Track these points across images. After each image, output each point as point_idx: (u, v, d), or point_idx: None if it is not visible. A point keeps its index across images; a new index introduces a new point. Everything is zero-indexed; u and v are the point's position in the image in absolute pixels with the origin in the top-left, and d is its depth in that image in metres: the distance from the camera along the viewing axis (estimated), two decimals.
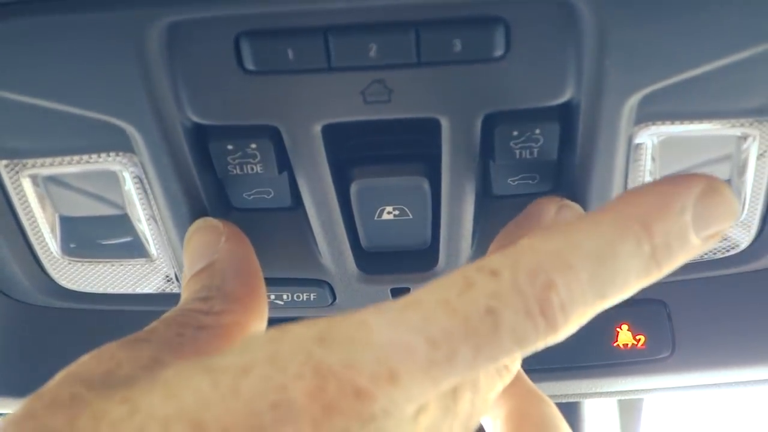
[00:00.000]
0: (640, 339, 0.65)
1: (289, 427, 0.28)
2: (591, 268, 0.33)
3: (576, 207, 0.47)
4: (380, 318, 0.31)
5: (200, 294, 0.43)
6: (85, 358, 0.36)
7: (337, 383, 0.29)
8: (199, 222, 0.50)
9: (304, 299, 0.61)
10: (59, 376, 0.35)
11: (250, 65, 0.46)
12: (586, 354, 0.66)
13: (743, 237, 0.60)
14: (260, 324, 0.44)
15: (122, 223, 0.57)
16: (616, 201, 0.36)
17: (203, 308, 0.42)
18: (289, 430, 0.28)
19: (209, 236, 0.47)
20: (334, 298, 0.61)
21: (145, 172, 0.52)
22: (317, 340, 0.30)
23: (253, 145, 0.51)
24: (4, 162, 0.53)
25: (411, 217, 0.55)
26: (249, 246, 0.46)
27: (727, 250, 0.61)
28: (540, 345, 0.32)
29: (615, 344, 0.66)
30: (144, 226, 0.57)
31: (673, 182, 0.36)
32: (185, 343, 0.39)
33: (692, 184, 0.36)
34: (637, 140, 0.52)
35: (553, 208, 0.45)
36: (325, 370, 0.29)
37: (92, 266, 0.61)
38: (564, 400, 0.72)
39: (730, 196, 0.37)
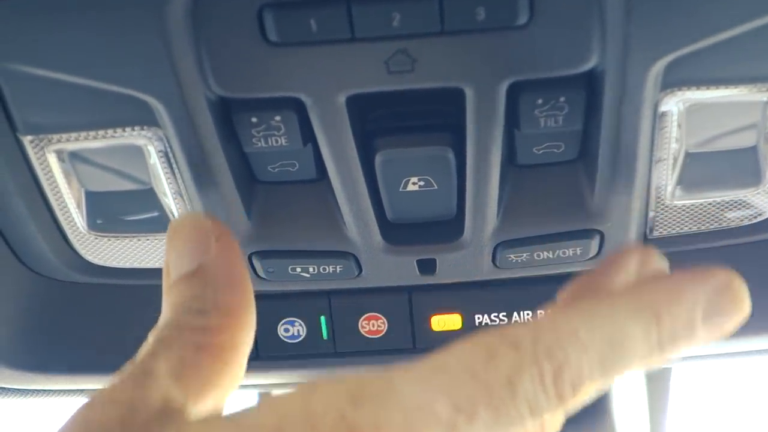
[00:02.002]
0: None
1: None
2: (602, 351, 0.35)
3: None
4: (409, 381, 0.32)
5: (194, 305, 0.42)
6: (95, 401, 0.35)
7: None
8: (187, 217, 0.48)
9: (330, 271, 0.61)
10: (72, 425, 0.35)
11: (273, 36, 0.46)
12: None
13: (766, 206, 0.60)
14: (248, 343, 0.43)
15: (148, 197, 0.57)
16: (634, 287, 0.39)
17: (199, 324, 0.41)
18: None
19: (198, 235, 0.45)
20: (360, 270, 0.62)
21: (170, 146, 0.53)
22: (349, 400, 0.31)
23: (278, 118, 0.51)
24: (30, 137, 0.54)
25: (436, 187, 0.55)
26: (238, 250, 0.45)
27: (754, 218, 0.61)
28: (548, 413, 0.34)
29: None
30: (170, 200, 0.57)
31: (690, 275, 0.39)
32: (188, 371, 0.38)
33: (707, 279, 0.39)
34: (663, 108, 0.52)
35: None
36: (357, 430, 0.30)
37: (118, 241, 0.62)
38: None
39: (742, 294, 0.40)
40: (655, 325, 0.36)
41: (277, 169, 0.56)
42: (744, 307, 0.40)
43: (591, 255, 0.60)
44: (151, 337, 0.40)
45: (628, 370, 0.36)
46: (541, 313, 0.37)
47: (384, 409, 0.31)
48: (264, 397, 0.32)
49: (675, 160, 0.55)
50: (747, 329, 0.65)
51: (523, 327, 0.35)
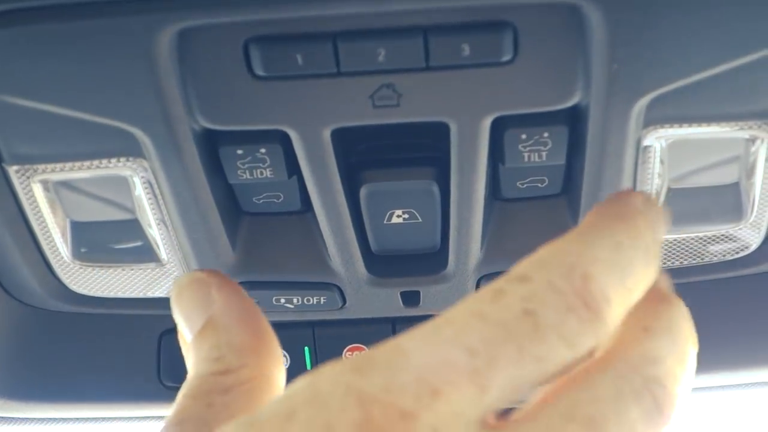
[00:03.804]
0: None
1: None
2: (613, 257, 0.33)
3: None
4: (414, 339, 0.30)
5: (212, 354, 0.42)
6: None
7: (382, 409, 0.28)
8: (184, 278, 0.48)
9: (314, 302, 0.61)
10: None
11: (259, 70, 0.46)
12: None
13: (752, 239, 0.60)
14: (279, 369, 0.43)
15: (133, 227, 0.57)
16: (606, 205, 0.38)
17: (220, 369, 0.41)
18: None
19: (199, 290, 0.45)
20: (344, 302, 0.62)
21: (156, 177, 0.53)
22: (354, 371, 0.29)
23: (263, 150, 0.51)
24: (15, 167, 0.54)
25: (420, 220, 0.55)
26: (240, 290, 0.45)
27: (736, 253, 0.61)
28: (590, 340, 0.32)
29: None
30: (154, 231, 0.57)
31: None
32: (218, 413, 0.38)
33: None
34: (646, 143, 0.52)
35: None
36: (367, 398, 0.28)
37: (103, 271, 0.62)
38: None
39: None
40: (638, 229, 0.36)
41: (262, 201, 0.56)
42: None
43: None
44: (179, 395, 0.40)
45: (642, 278, 0.35)
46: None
47: (392, 371, 0.29)
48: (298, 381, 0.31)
49: (657, 194, 0.55)
50: (733, 364, 0.66)
51: (525, 262, 0.33)
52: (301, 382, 0.30)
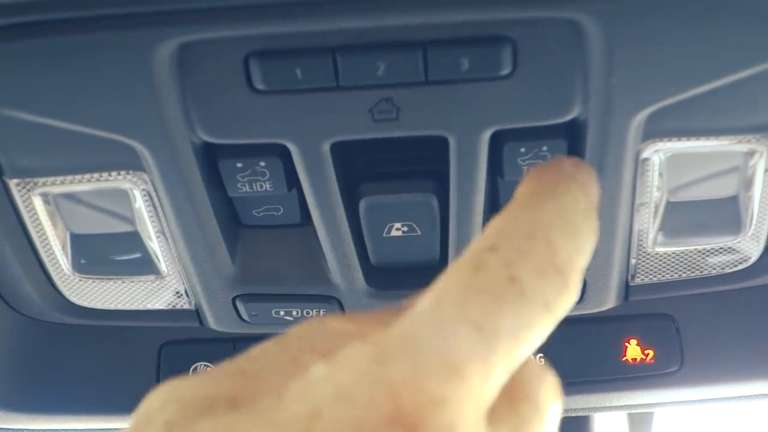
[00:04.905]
0: (648, 353, 0.65)
1: None
2: (563, 223, 0.35)
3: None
4: (417, 323, 0.30)
5: None
6: None
7: (411, 396, 0.28)
8: None
9: (314, 315, 0.61)
10: None
11: (259, 84, 0.46)
12: (596, 368, 0.66)
13: (752, 251, 0.60)
14: None
15: (132, 240, 0.57)
16: (541, 171, 0.40)
17: None
18: None
19: None
20: (344, 314, 0.62)
21: (156, 190, 0.53)
22: (376, 361, 0.29)
23: (262, 163, 0.51)
24: (16, 180, 0.54)
25: (419, 233, 0.55)
26: None
27: (736, 265, 0.61)
28: (565, 306, 0.33)
29: (624, 359, 0.66)
30: (154, 243, 0.57)
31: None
32: None
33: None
34: (644, 156, 0.52)
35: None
36: (396, 387, 0.28)
37: (103, 283, 0.62)
38: (574, 414, 0.72)
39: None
40: (579, 191, 0.38)
41: (261, 214, 0.56)
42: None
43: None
44: None
45: (587, 233, 0.37)
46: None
47: (412, 357, 0.29)
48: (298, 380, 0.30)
49: (656, 207, 0.56)
50: (732, 376, 0.66)
51: (488, 231, 0.35)
52: (319, 374, 0.30)
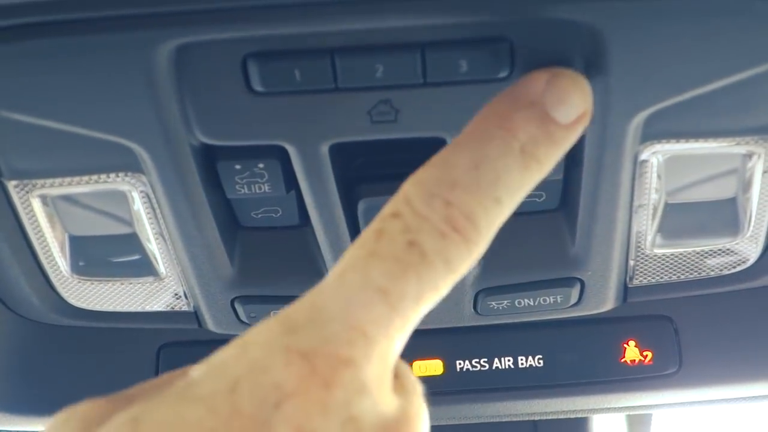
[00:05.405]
0: (647, 355, 0.65)
1: (300, 417, 0.29)
2: (472, 177, 0.35)
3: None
4: (325, 293, 0.33)
5: None
6: None
7: (324, 360, 0.30)
8: None
9: None
10: None
11: (257, 86, 0.46)
12: (594, 370, 0.66)
13: (750, 253, 0.60)
14: None
15: (131, 242, 0.57)
16: (475, 118, 0.39)
17: None
18: (301, 421, 0.29)
19: None
20: None
21: (154, 192, 0.53)
22: (285, 333, 0.31)
23: (261, 165, 0.51)
24: (14, 182, 0.54)
25: None
26: None
27: (734, 266, 0.61)
28: (467, 263, 0.35)
29: (622, 360, 0.66)
30: (153, 245, 0.57)
31: (518, 83, 0.40)
32: None
33: (535, 78, 0.40)
34: (643, 158, 0.52)
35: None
36: (307, 353, 0.30)
37: (101, 285, 0.62)
38: (573, 416, 0.72)
39: (576, 75, 0.40)
40: (509, 135, 0.37)
41: (260, 215, 0.56)
42: (582, 84, 0.41)
43: (572, 303, 0.61)
44: None
45: (516, 187, 0.37)
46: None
47: (322, 325, 0.31)
48: (201, 365, 0.31)
49: (655, 209, 0.56)
50: (731, 377, 0.66)
51: (393, 199, 0.36)
52: (231, 350, 0.32)
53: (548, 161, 0.38)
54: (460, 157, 0.36)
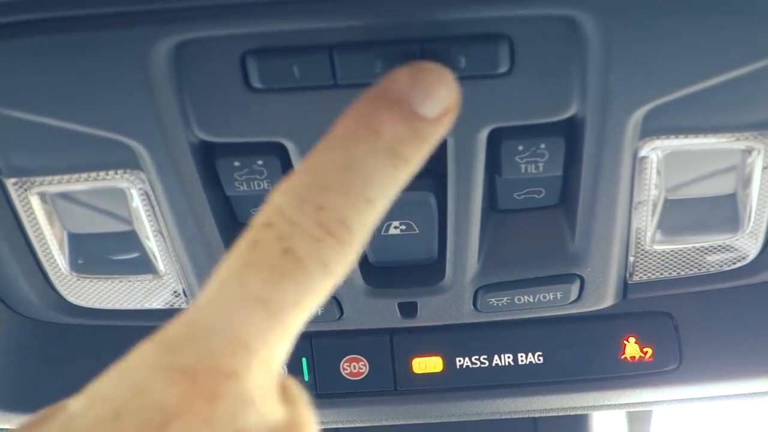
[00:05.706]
0: (647, 351, 0.65)
1: None
2: (342, 180, 0.35)
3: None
4: (203, 308, 0.32)
5: None
6: None
7: (206, 375, 0.30)
8: None
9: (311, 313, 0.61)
10: None
11: (256, 83, 0.46)
12: (594, 367, 0.66)
13: (750, 249, 0.60)
14: None
15: (130, 239, 0.57)
16: (341, 119, 0.39)
17: None
18: None
19: None
20: (342, 313, 0.62)
21: (153, 189, 0.53)
22: (166, 352, 0.31)
23: (260, 162, 0.51)
24: (13, 180, 0.54)
25: (417, 231, 0.55)
26: None
27: (734, 263, 0.61)
28: (344, 265, 0.35)
29: (622, 357, 0.66)
30: (152, 243, 0.57)
31: (382, 81, 0.39)
32: None
33: (399, 74, 0.39)
34: (642, 154, 0.52)
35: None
36: (189, 370, 0.30)
37: (100, 282, 0.62)
38: (573, 413, 0.72)
39: (440, 69, 0.40)
40: (374, 135, 0.37)
41: None
42: (445, 74, 0.40)
43: (571, 299, 0.61)
44: None
45: (387, 186, 0.37)
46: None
47: (201, 340, 0.31)
48: (80, 396, 0.32)
49: (654, 205, 0.56)
50: (731, 373, 0.66)
51: (264, 208, 0.35)
52: (111, 377, 0.31)
53: (416, 158, 0.38)
54: (328, 160, 0.36)
